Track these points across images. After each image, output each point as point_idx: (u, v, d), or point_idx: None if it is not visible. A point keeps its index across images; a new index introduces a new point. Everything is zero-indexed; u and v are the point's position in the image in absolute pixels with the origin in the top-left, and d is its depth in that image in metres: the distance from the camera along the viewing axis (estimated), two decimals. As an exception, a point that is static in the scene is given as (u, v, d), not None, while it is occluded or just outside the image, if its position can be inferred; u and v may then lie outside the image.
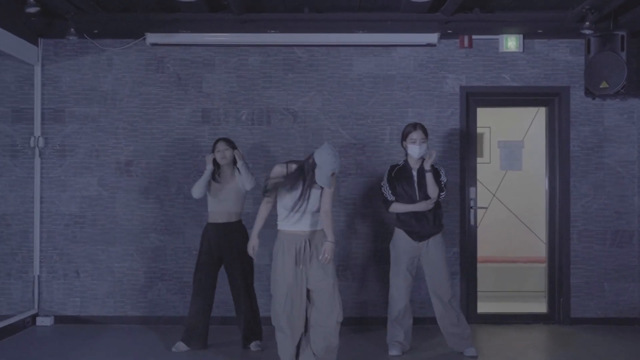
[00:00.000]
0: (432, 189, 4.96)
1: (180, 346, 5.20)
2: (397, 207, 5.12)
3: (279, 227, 4.37)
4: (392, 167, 5.22)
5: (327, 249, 4.24)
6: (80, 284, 6.30)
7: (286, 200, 4.28)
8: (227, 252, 5.23)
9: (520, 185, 8.04)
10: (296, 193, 4.23)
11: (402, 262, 5.06)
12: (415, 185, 5.05)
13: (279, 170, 4.35)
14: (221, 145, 5.23)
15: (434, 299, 5.08)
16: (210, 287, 5.27)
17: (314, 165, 4.19)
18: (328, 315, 4.26)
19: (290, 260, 4.24)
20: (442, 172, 5.12)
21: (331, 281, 4.28)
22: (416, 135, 5.00)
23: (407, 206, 5.06)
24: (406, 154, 5.14)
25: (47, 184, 6.33)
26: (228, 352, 5.20)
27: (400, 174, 5.12)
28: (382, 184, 5.21)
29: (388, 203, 5.15)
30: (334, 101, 6.32)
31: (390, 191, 5.13)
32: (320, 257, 4.23)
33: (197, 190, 5.24)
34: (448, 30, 6.06)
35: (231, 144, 5.28)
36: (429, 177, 4.94)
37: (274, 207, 4.43)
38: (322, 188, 4.24)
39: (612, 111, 6.34)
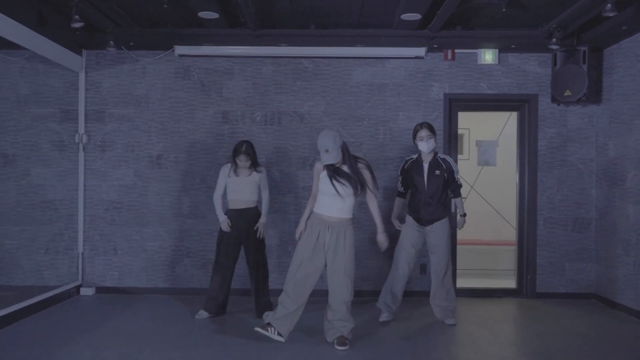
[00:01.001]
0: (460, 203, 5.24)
1: (202, 313, 5.21)
2: (396, 203, 5.26)
3: (314, 210, 4.41)
4: (407, 160, 5.22)
5: (381, 238, 4.48)
6: (117, 259, 6.31)
7: (329, 190, 4.31)
8: (245, 233, 5.20)
9: (495, 179, 8.03)
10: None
11: (406, 242, 5.07)
12: (425, 176, 5.03)
13: (317, 166, 4.43)
14: (243, 157, 5.14)
15: (433, 275, 5.09)
16: (229, 264, 5.24)
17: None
18: (337, 295, 4.27)
19: (311, 239, 4.28)
20: (456, 172, 5.11)
21: (343, 267, 4.26)
22: (423, 133, 4.98)
23: (393, 212, 5.26)
24: (418, 150, 5.10)
25: (89, 174, 6.33)
26: (244, 320, 5.19)
27: (412, 166, 5.11)
28: (399, 175, 5.27)
29: (398, 192, 5.25)
30: (335, 105, 6.30)
31: (400, 182, 5.20)
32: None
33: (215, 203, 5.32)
34: (434, 45, 6.03)
35: (250, 151, 5.18)
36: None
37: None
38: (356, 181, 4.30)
39: (574, 116, 6.31)
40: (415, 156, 5.16)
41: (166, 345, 4.36)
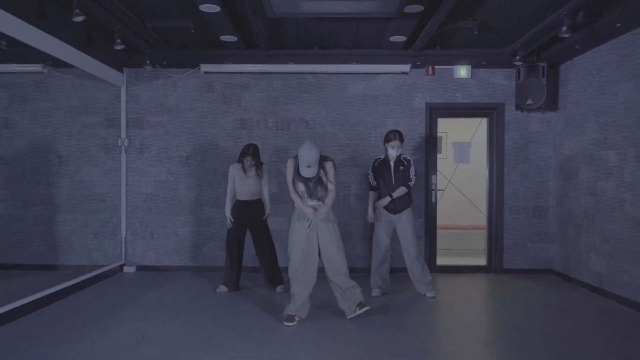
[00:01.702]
0: (401, 191, 5.02)
1: (222, 288, 5.21)
2: (370, 195, 5.17)
3: (297, 205, 4.26)
4: (376, 160, 5.17)
5: (321, 210, 4.16)
6: (154, 243, 6.32)
7: (299, 188, 4.21)
8: (250, 220, 5.18)
9: (468, 174, 8.02)
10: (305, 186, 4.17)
11: (382, 229, 5.05)
12: (392, 173, 5.02)
13: (290, 163, 4.22)
14: (249, 159, 5.10)
15: (405, 255, 5.06)
16: (237, 246, 5.19)
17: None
18: (336, 269, 4.17)
19: (303, 227, 4.16)
20: (412, 168, 5.07)
21: (335, 244, 4.17)
22: (395, 143, 4.97)
23: (370, 203, 5.16)
24: (386, 151, 5.07)
25: (130, 172, 6.34)
26: (259, 293, 5.21)
27: (381, 165, 5.09)
28: (368, 172, 5.21)
29: (370, 187, 5.19)
30: (334, 113, 6.29)
31: (372, 178, 5.13)
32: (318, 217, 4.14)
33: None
34: (417, 62, 6.02)
35: (255, 154, 5.14)
36: (401, 190, 5.00)
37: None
38: (324, 172, 4.13)
39: (535, 121, 6.28)
40: (382, 156, 5.12)
41: (194, 314, 4.38)
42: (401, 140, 5.01)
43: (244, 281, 5.53)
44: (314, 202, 4.19)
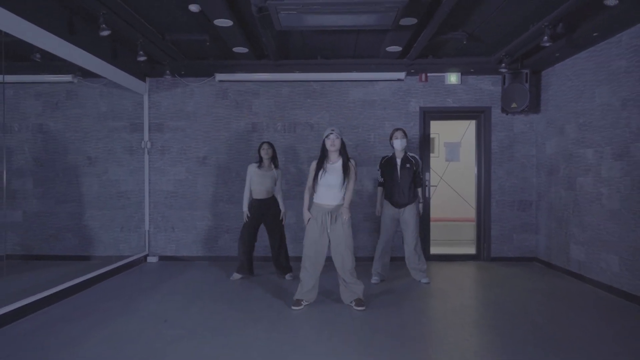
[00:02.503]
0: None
1: (235, 275, 5.21)
2: (378, 191, 5.14)
3: (313, 200, 4.16)
4: (383, 157, 5.13)
5: (343, 212, 4.08)
6: (175, 235, 6.34)
7: (324, 181, 4.08)
8: (265, 216, 5.15)
9: (459, 171, 8.01)
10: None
11: (386, 221, 5.02)
12: (398, 170, 4.94)
13: (313, 164, 4.15)
14: (266, 145, 5.15)
15: (405, 245, 5.05)
16: (250, 238, 5.15)
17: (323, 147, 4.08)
18: (343, 265, 4.10)
19: (316, 224, 4.08)
20: (421, 168, 5.03)
21: (344, 242, 4.08)
22: (398, 134, 4.96)
23: (378, 199, 5.14)
24: (392, 149, 5.03)
25: (152, 171, 6.36)
26: (270, 280, 5.22)
27: (388, 162, 5.04)
28: (377, 169, 5.17)
29: (378, 183, 5.16)
30: (337, 117, 6.29)
31: (380, 175, 5.11)
32: (344, 218, 4.05)
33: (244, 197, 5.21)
34: (411, 70, 6.00)
35: (272, 146, 5.19)
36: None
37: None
38: (345, 173, 4.03)
39: (519, 123, 6.26)
40: (389, 154, 5.08)
41: (211, 299, 4.39)
42: (403, 132, 4.98)
43: (256, 269, 5.53)
44: (330, 202, 4.07)
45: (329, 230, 4.09)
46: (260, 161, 5.16)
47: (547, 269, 5.78)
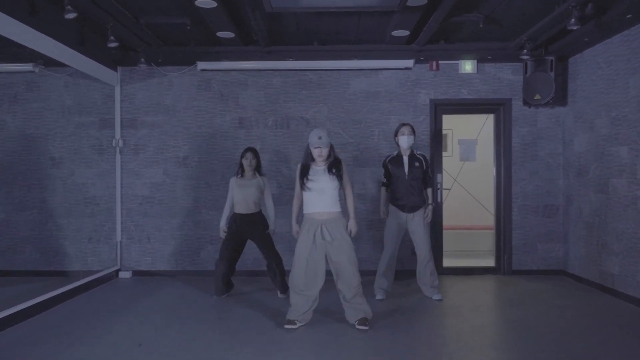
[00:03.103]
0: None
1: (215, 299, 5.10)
2: (382, 192, 5.18)
3: (304, 212, 4.10)
4: (388, 156, 5.16)
5: (352, 225, 4.09)
6: (150, 246, 6.33)
7: (313, 185, 4.02)
8: (250, 234, 5.03)
9: (475, 173, 8.02)
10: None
11: (392, 229, 4.99)
12: (406, 168, 4.94)
13: (299, 166, 4.13)
14: (249, 154, 5.04)
15: (418, 258, 5.01)
16: (230, 256, 5.02)
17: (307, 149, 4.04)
18: (346, 282, 4.02)
19: (308, 238, 3.97)
20: (428, 167, 5.02)
21: (346, 255, 4.00)
22: (405, 129, 4.95)
23: (382, 200, 5.19)
24: (398, 146, 5.04)
25: (125, 173, 6.34)
26: (260, 299, 5.20)
27: (393, 161, 5.03)
28: (381, 168, 5.22)
29: (381, 183, 5.20)
30: (336, 111, 6.29)
31: (383, 175, 5.14)
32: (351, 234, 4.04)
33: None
34: (421, 57, 6.02)
35: (256, 155, 5.09)
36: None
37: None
38: (336, 174, 4.00)
39: (543, 116, 6.28)
40: (395, 153, 5.08)
41: (192, 320, 4.37)
42: (411, 129, 4.99)
43: (244, 285, 5.50)
44: (322, 209, 4.00)
45: (326, 244, 3.98)
46: (241, 171, 5.07)
47: (576, 283, 5.78)
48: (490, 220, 7.10)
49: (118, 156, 6.31)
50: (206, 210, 6.30)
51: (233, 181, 5.07)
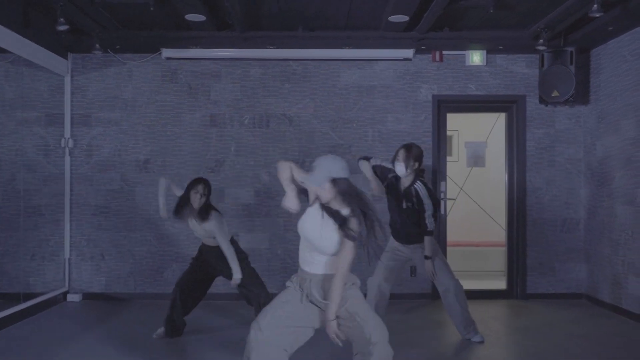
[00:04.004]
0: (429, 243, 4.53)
1: (160, 332, 4.73)
2: (364, 165, 4.70)
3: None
4: (392, 175, 4.61)
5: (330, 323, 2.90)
6: (105, 265, 6.27)
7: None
8: (223, 270, 4.69)
9: (484, 180, 8.07)
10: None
11: (384, 258, 4.60)
12: (397, 202, 4.57)
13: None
14: (200, 187, 4.56)
15: (447, 293, 4.60)
16: (191, 287, 4.74)
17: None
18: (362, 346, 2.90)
19: (295, 294, 3.04)
20: (425, 199, 4.47)
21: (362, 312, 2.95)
22: (400, 154, 4.47)
23: (367, 173, 4.70)
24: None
25: (75, 179, 6.29)
26: (230, 327, 5.17)
27: (392, 183, 4.60)
28: (387, 161, 4.70)
29: (363, 157, 4.77)
30: (324, 107, 6.31)
31: (378, 163, 4.69)
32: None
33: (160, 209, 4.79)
34: (422, 46, 6.06)
35: (208, 188, 4.62)
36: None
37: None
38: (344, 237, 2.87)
39: (562, 116, 6.35)
40: (395, 174, 4.60)
41: (154, 351, 4.34)
42: (407, 152, 4.46)
43: (219, 313, 5.45)
44: (306, 268, 3.03)
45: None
46: (188, 206, 4.59)
47: (600, 309, 5.84)
48: (501, 235, 7.15)
49: (67, 158, 6.26)
50: (171, 223, 6.25)
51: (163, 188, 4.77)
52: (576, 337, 4.77)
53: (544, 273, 6.33)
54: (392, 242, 4.72)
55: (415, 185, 4.51)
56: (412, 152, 4.48)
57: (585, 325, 5.20)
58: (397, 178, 4.59)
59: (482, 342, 4.61)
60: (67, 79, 6.27)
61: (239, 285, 4.66)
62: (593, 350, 4.42)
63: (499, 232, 7.53)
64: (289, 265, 6.17)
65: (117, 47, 6.10)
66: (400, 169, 4.47)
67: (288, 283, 3.09)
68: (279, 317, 2.94)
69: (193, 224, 4.66)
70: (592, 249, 6.14)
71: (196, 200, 4.53)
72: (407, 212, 4.55)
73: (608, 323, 5.29)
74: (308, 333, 3.04)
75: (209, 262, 4.77)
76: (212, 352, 4.32)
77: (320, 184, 2.88)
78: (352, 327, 2.92)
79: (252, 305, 4.78)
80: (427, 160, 6.24)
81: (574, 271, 6.32)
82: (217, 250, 4.62)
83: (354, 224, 2.85)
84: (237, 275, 4.53)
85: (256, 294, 4.70)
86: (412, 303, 5.95)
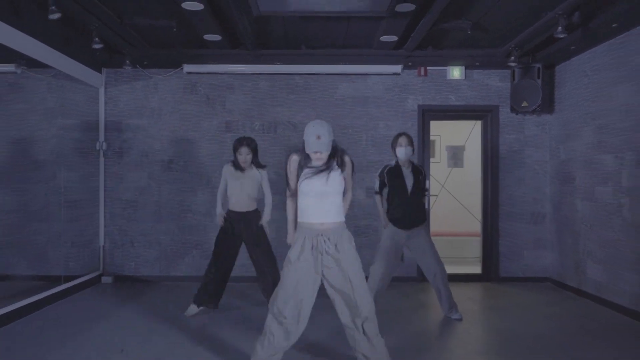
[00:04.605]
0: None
1: (192, 309, 4.69)
2: (377, 199, 4.68)
3: (299, 220, 3.25)
4: (385, 166, 4.66)
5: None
6: (134, 251, 6.29)
7: (310, 188, 3.15)
8: (245, 235, 4.65)
9: (462, 179, 8.08)
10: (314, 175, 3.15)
11: (386, 244, 4.56)
12: (407, 182, 4.53)
13: (293, 159, 3.22)
14: (244, 149, 4.59)
15: (432, 277, 4.59)
16: (228, 260, 4.68)
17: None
18: (354, 311, 3.11)
19: (303, 254, 3.12)
20: (427, 180, 4.61)
21: (358, 280, 3.11)
22: (402, 140, 4.53)
23: (379, 210, 4.68)
24: (396, 157, 4.61)
25: (109, 177, 6.31)
26: (245, 307, 5.16)
27: (392, 172, 4.58)
28: (375, 178, 4.70)
29: (374, 192, 4.71)
30: (323, 115, 6.31)
31: (377, 184, 4.64)
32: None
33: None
34: (409, 62, 6.07)
35: (252, 148, 4.64)
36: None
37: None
38: (341, 171, 3.20)
39: (531, 124, 6.35)
40: (393, 163, 4.62)
41: (176, 327, 4.35)
42: (409, 139, 4.56)
43: (237, 297, 5.34)
44: (323, 219, 3.14)
45: (322, 266, 3.11)
46: (236, 163, 4.68)
47: (562, 290, 5.85)
48: (477, 227, 7.16)
49: (101, 159, 6.28)
50: (192, 215, 6.28)
51: (227, 170, 4.69)
52: (541, 315, 4.79)
53: (514, 259, 6.34)
54: (392, 231, 4.56)
55: (416, 164, 4.65)
56: (412, 138, 4.62)
57: (549, 305, 5.21)
58: (395, 166, 4.59)
59: (460, 319, 4.62)
60: (101, 91, 6.28)
61: (255, 260, 4.65)
62: (556, 325, 4.44)
63: (475, 224, 7.53)
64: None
65: (145, 63, 6.11)
66: (407, 151, 4.53)
67: (296, 257, 3.12)
68: (299, 301, 3.09)
69: (242, 176, 4.65)
70: (556, 239, 6.15)
71: (242, 161, 4.63)
72: (413, 195, 4.53)
73: (569, 303, 5.30)
74: (315, 294, 3.17)
75: (235, 229, 4.64)
76: (229, 329, 4.33)
77: (329, 148, 3.16)
78: (343, 291, 3.10)
79: (264, 280, 4.68)
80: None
81: (540, 258, 6.33)
82: (245, 215, 4.65)
83: (347, 157, 3.31)
84: (267, 217, 4.70)
85: (268, 270, 4.65)
86: (392, 284, 5.95)
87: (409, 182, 4.57)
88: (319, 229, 3.13)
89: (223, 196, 4.78)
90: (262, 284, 4.73)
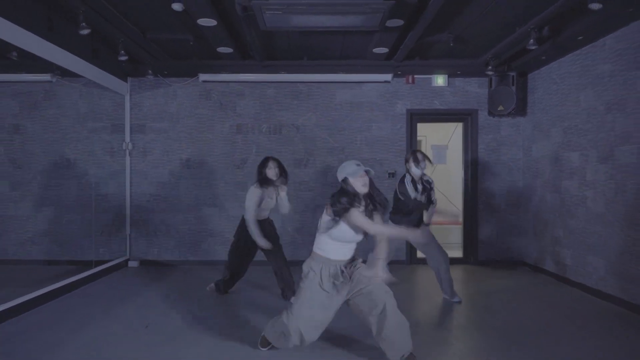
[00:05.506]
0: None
1: (212, 287, 4.73)
2: (420, 207, 4.42)
3: (319, 252, 2.97)
4: (404, 175, 4.45)
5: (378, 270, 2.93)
6: (157, 239, 6.30)
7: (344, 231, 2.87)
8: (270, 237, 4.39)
9: (445, 174, 8.08)
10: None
11: (421, 245, 4.50)
12: (420, 192, 4.39)
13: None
14: (272, 163, 4.30)
15: (440, 266, 4.47)
16: (243, 262, 4.56)
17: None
18: (390, 317, 2.96)
19: (322, 282, 2.93)
20: (433, 192, 4.51)
21: (382, 289, 2.98)
22: (423, 164, 4.40)
23: (424, 214, 4.51)
24: (409, 170, 4.45)
25: (134, 174, 6.31)
26: (260, 288, 5.20)
27: (411, 183, 4.42)
28: (404, 186, 4.39)
29: (412, 198, 4.34)
30: (323, 119, 6.32)
31: (410, 191, 4.36)
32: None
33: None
34: (398, 72, 6.06)
35: (279, 163, 4.37)
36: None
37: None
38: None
39: (506, 125, 6.36)
40: (410, 177, 4.42)
41: (195, 305, 4.38)
42: (424, 155, 4.44)
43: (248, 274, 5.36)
44: (344, 257, 2.96)
45: (347, 286, 2.96)
46: (263, 182, 4.28)
47: (534, 273, 5.87)
48: (458, 216, 7.17)
49: (128, 158, 6.28)
50: (207, 207, 6.29)
51: (258, 193, 4.26)
52: (515, 294, 4.81)
53: (491, 245, 6.36)
54: (421, 229, 4.36)
55: (425, 178, 4.51)
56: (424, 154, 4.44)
57: (523, 285, 5.23)
58: (412, 180, 4.37)
59: (460, 302, 4.48)
60: (127, 97, 6.28)
61: (269, 256, 4.39)
62: (527, 302, 4.47)
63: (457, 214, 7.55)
64: (296, 240, 6.21)
65: (165, 72, 6.11)
66: (424, 166, 4.40)
67: (323, 286, 2.91)
68: (320, 322, 2.98)
69: (270, 199, 4.33)
70: (528, 227, 6.16)
71: (273, 175, 4.27)
72: (424, 197, 4.39)
73: (540, 283, 5.32)
74: (339, 304, 3.01)
75: (249, 242, 4.36)
76: (243, 309, 4.36)
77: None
78: (360, 294, 2.96)
79: (280, 277, 4.47)
80: (403, 159, 6.26)
81: (515, 243, 6.35)
82: (265, 222, 4.39)
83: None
84: (285, 210, 4.36)
85: (280, 267, 4.42)
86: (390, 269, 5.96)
87: (420, 192, 4.40)
88: (340, 261, 2.97)
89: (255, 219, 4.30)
90: (278, 281, 4.51)
